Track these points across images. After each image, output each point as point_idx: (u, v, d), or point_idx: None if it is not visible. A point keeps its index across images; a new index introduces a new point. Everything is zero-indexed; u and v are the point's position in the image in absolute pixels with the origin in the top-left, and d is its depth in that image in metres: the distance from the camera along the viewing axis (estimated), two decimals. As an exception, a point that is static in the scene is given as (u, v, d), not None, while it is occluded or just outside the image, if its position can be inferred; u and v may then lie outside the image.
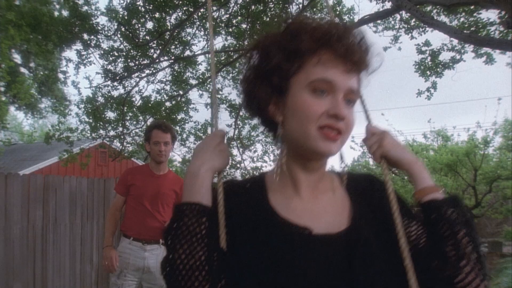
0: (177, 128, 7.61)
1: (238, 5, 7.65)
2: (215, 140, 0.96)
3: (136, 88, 7.95)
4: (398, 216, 0.91)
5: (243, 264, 0.86)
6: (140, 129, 8.30)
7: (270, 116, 0.94)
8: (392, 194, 0.95)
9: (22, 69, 14.48)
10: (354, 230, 0.90)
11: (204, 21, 7.67)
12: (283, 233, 0.88)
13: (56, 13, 7.95)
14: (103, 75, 7.42)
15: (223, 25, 7.79)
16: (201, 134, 8.44)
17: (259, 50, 0.95)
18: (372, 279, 0.84)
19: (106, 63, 7.36)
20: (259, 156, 7.94)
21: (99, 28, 7.12)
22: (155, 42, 7.38)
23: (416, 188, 0.96)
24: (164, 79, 8.17)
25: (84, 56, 7.22)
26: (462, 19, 6.87)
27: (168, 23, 7.39)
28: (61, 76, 11.21)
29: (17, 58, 14.06)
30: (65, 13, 7.97)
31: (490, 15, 6.38)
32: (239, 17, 7.88)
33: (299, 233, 0.88)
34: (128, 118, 8.00)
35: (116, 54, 7.34)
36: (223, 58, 8.46)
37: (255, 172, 7.51)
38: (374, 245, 0.88)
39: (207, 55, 8.30)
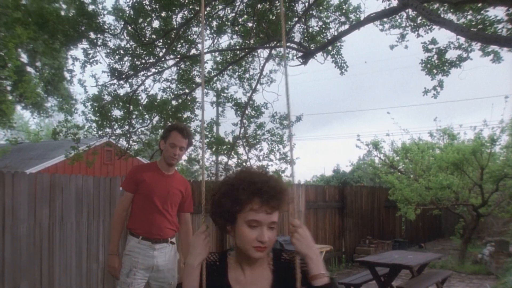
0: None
1: (244, 4, 7.64)
2: (200, 237, 1.59)
3: (142, 87, 7.97)
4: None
5: None
6: (146, 127, 8.32)
7: (227, 231, 1.59)
8: (298, 271, 1.55)
9: (29, 68, 14.55)
10: None
11: (210, 19, 7.67)
12: None
13: (62, 12, 7.97)
14: (109, 74, 7.44)
15: (229, 23, 7.79)
16: (207, 133, 8.40)
17: (216, 196, 1.57)
18: None
19: (112, 61, 7.37)
20: (265, 155, 7.94)
21: (106, 27, 7.13)
22: (161, 40, 7.38)
23: (310, 274, 1.52)
24: (170, 78, 8.18)
25: (90, 55, 7.24)
26: (469, 17, 6.82)
27: (174, 22, 7.40)
28: (67, 75, 11.28)
29: (24, 57, 14.13)
30: (72, 12, 8.00)
31: (497, 12, 6.33)
32: (245, 16, 7.87)
33: None
34: (134, 116, 8.01)
35: (122, 52, 7.35)
36: (229, 56, 8.46)
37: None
38: None
39: (213, 53, 8.31)
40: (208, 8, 7.37)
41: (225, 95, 8.66)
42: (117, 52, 7.32)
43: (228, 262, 1.64)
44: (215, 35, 7.85)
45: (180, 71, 8.08)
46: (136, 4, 6.92)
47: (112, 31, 7.27)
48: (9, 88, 12.44)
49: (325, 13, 7.82)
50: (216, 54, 8.42)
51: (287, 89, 1.50)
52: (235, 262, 1.62)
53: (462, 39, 6.90)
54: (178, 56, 7.72)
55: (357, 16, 7.55)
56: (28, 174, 4.95)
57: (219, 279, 1.59)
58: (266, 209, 1.49)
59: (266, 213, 1.49)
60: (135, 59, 7.45)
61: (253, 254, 1.51)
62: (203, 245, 1.58)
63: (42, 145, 18.41)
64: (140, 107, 7.87)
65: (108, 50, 7.32)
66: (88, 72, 7.70)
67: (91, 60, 7.24)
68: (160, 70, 7.89)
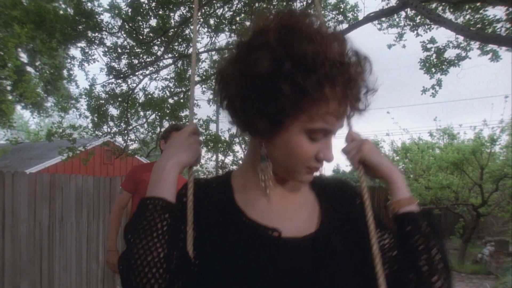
0: (181, 125, 7.65)
1: (242, 2, 7.65)
2: (183, 135, 0.94)
3: (140, 85, 7.99)
4: (372, 224, 0.90)
5: (209, 266, 0.84)
6: (141, 125, 8.34)
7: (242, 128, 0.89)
8: (368, 201, 0.94)
9: (29, 68, 14.56)
10: (322, 235, 0.89)
11: (208, 18, 7.67)
12: (251, 234, 0.86)
13: (61, 12, 7.97)
14: (107, 73, 7.45)
15: (226, 22, 7.79)
16: (203, 131, 8.44)
17: (243, 65, 0.85)
18: (337, 285, 0.84)
19: (110, 60, 7.39)
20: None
21: (103, 25, 7.14)
22: (159, 39, 7.38)
23: (394, 198, 0.95)
24: (168, 77, 8.20)
25: (88, 54, 7.26)
26: (468, 16, 6.83)
27: (172, 20, 7.40)
28: (65, 74, 11.29)
29: (24, 57, 14.14)
30: (70, 11, 8.00)
31: (496, 12, 6.35)
32: (242, 15, 7.88)
33: (267, 235, 0.86)
34: (130, 115, 8.03)
35: (119, 51, 7.37)
36: (226, 55, 8.46)
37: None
38: (341, 252, 0.88)
39: (210, 52, 8.32)
40: (205, 7, 7.37)
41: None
42: (115, 50, 7.33)
43: (234, 182, 0.95)
44: (212, 34, 7.86)
45: (177, 70, 8.10)
46: (133, 3, 6.92)
47: (110, 29, 7.28)
48: (9, 88, 12.45)
49: (323, 12, 7.83)
50: (214, 52, 8.43)
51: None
52: (250, 181, 0.93)
53: (461, 38, 6.91)
54: (176, 55, 7.73)
55: (355, 15, 7.55)
56: (28, 174, 4.94)
57: (220, 203, 0.92)
58: (340, 111, 0.82)
59: (339, 117, 0.83)
60: (133, 58, 7.46)
61: (301, 178, 0.89)
62: (185, 145, 0.92)
63: (42, 145, 18.38)
64: (136, 104, 7.88)
65: (106, 49, 7.33)
66: (83, 69, 7.67)
67: (88, 59, 7.26)
68: (158, 69, 7.90)
